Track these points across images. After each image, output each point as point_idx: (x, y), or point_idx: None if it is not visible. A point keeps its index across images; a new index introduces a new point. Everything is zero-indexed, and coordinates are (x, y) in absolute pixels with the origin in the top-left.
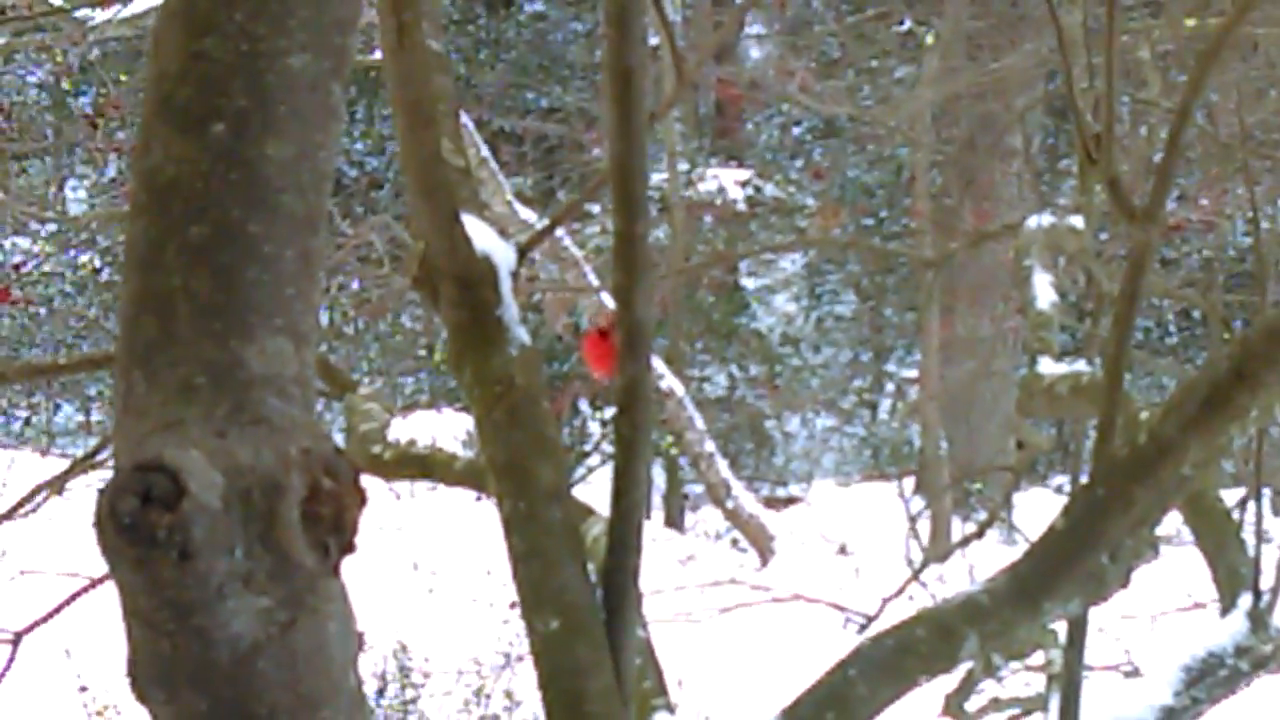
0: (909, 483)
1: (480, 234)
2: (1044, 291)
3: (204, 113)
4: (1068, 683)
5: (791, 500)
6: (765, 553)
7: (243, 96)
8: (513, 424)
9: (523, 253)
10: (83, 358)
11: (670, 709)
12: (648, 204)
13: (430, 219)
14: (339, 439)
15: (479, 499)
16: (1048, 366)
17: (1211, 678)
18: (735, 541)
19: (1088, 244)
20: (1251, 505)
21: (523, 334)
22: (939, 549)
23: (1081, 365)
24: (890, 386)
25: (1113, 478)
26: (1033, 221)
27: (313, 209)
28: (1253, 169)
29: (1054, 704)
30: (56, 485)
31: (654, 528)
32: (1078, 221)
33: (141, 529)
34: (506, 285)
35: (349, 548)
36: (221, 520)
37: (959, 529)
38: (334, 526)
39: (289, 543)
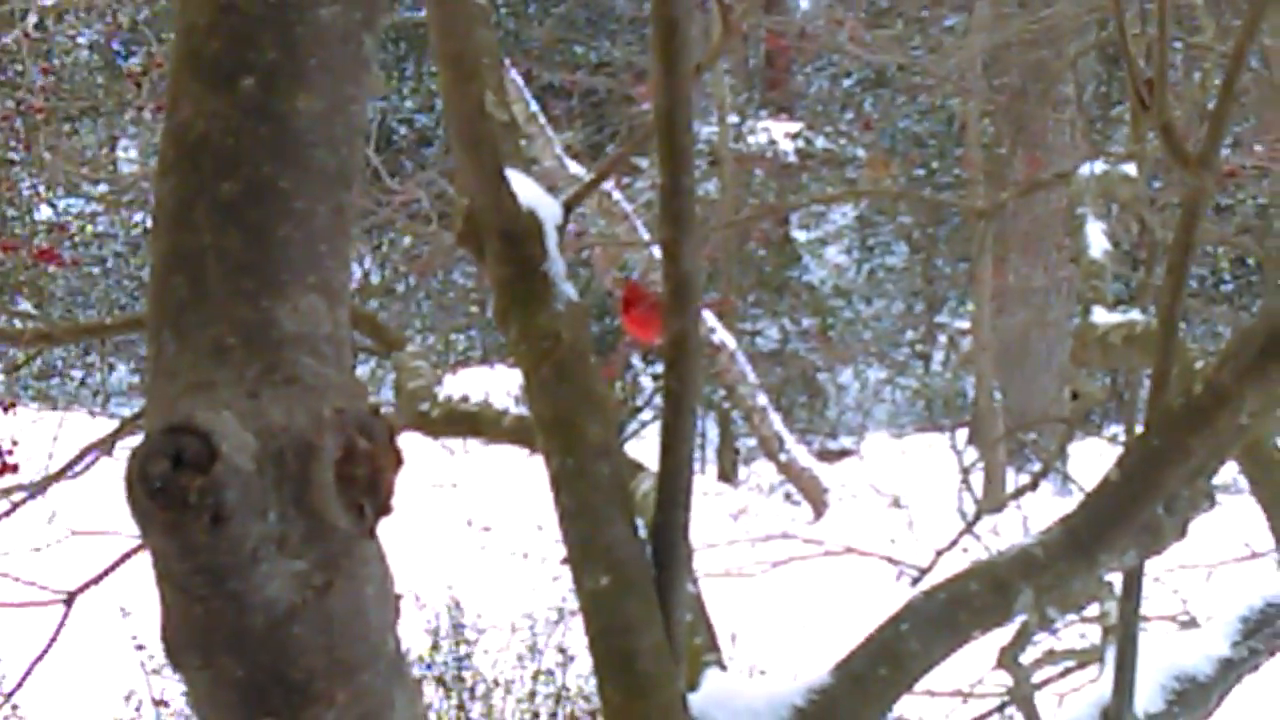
0: (962, 434)
1: (525, 189)
2: (1097, 240)
3: (233, 67)
4: (1123, 634)
5: (844, 453)
6: (819, 506)
7: (273, 49)
8: (560, 380)
9: (569, 208)
10: (129, 317)
11: (722, 665)
12: (694, 156)
13: (475, 174)
14: (388, 396)
15: (530, 454)
16: (1101, 316)
17: (1270, 628)
18: (788, 495)
19: (1141, 192)
20: None
21: (569, 289)
22: (993, 501)
23: (1135, 314)
24: (943, 338)
25: (1168, 428)
26: (1085, 169)
27: (345, 163)
28: None
29: (1110, 656)
30: (106, 444)
31: (706, 482)
32: (1131, 169)
33: (173, 492)
34: (553, 240)
35: (385, 510)
36: (254, 483)
37: (1013, 480)
38: (369, 488)
39: (323, 505)
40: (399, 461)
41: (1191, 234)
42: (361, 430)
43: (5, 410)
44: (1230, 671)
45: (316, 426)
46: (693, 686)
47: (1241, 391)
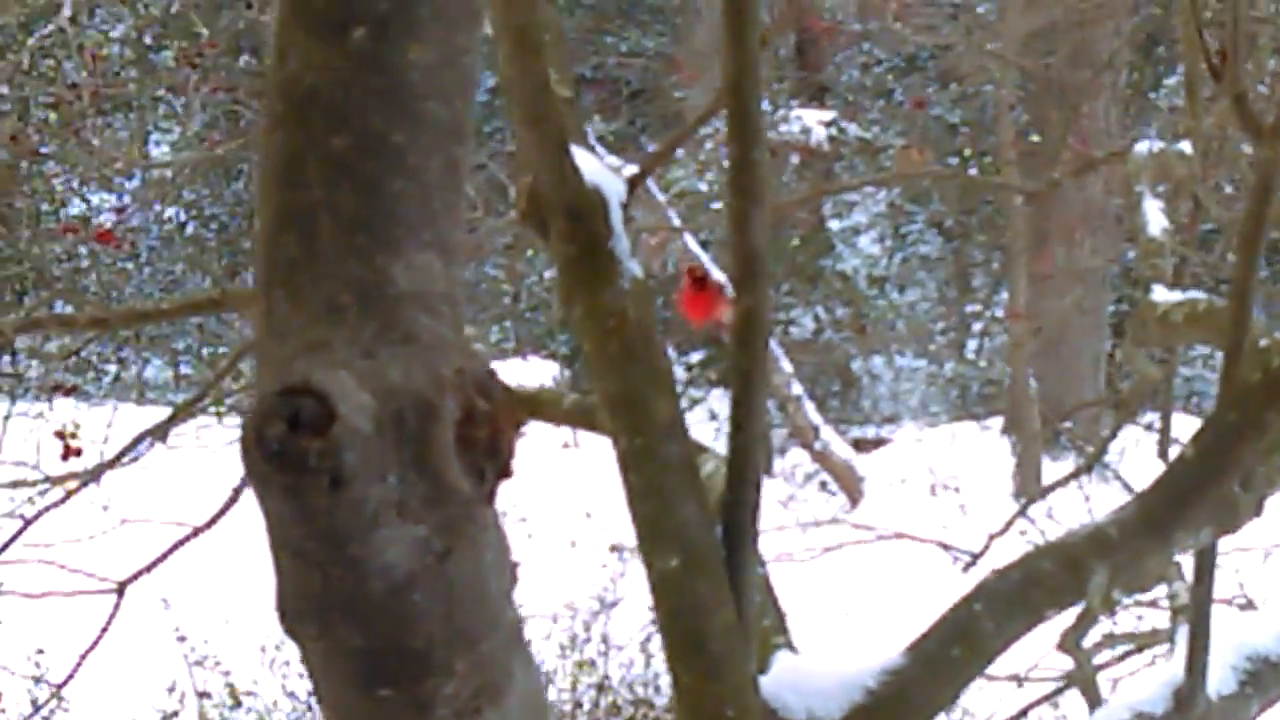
0: (998, 421)
1: (589, 165)
2: (1155, 218)
3: (343, 17)
4: (1196, 615)
5: (880, 442)
6: (854, 494)
7: None
8: (627, 358)
9: (633, 185)
10: (185, 301)
11: (792, 646)
12: (763, 128)
13: (539, 150)
14: None
15: (566, 446)
16: (1162, 294)
17: None
18: (824, 484)
19: (1196, 169)
20: None
21: (635, 267)
22: (1030, 487)
23: (1197, 293)
24: (977, 325)
25: (1245, 403)
26: (1141, 147)
27: (458, 116)
28: None
29: (1181, 636)
30: (159, 432)
31: None
32: (1186, 147)
33: (291, 455)
34: (617, 217)
35: (506, 473)
36: (374, 444)
37: (1048, 468)
38: (490, 450)
39: (444, 468)
40: (519, 424)
41: (1265, 206)
42: (481, 390)
43: (66, 394)
44: None
45: (436, 386)
46: (763, 669)
47: None
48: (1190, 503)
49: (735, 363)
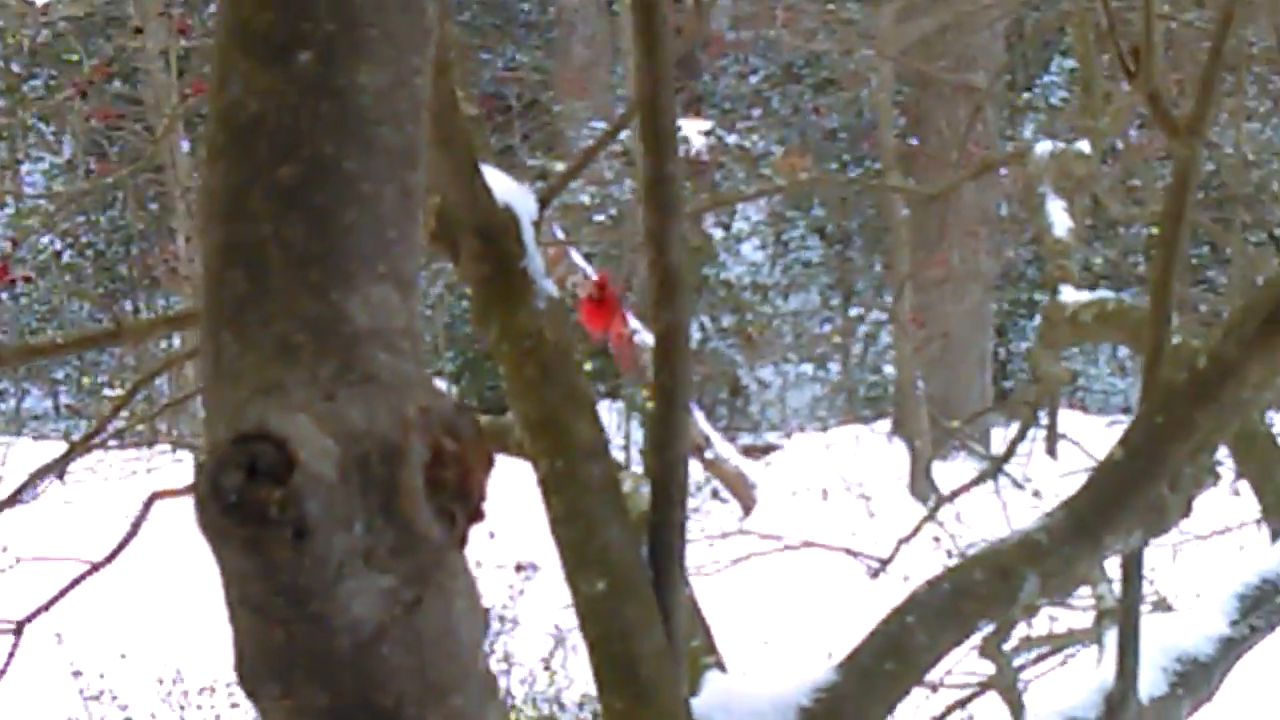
0: (886, 424)
1: (500, 183)
2: (1060, 219)
3: (288, 40)
4: (1125, 618)
5: (769, 448)
6: (747, 502)
7: (330, 20)
8: (545, 380)
9: (544, 202)
10: (81, 335)
11: (722, 666)
12: (677, 141)
13: (448, 169)
14: None
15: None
16: (1070, 294)
17: (1268, 605)
18: (716, 493)
19: (1095, 169)
20: None
21: (549, 286)
22: (920, 489)
23: (1105, 292)
24: (863, 330)
25: (1171, 404)
26: (1042, 148)
27: (411, 141)
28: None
29: (1109, 640)
30: (57, 468)
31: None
32: (1085, 147)
33: (250, 506)
34: (530, 235)
35: (477, 515)
36: (339, 492)
37: (939, 470)
38: (459, 492)
39: (413, 513)
40: (490, 462)
41: (1183, 204)
42: (448, 430)
43: None
44: (1231, 650)
45: (402, 427)
46: (694, 690)
47: (1247, 362)
48: (1119, 506)
49: (657, 380)
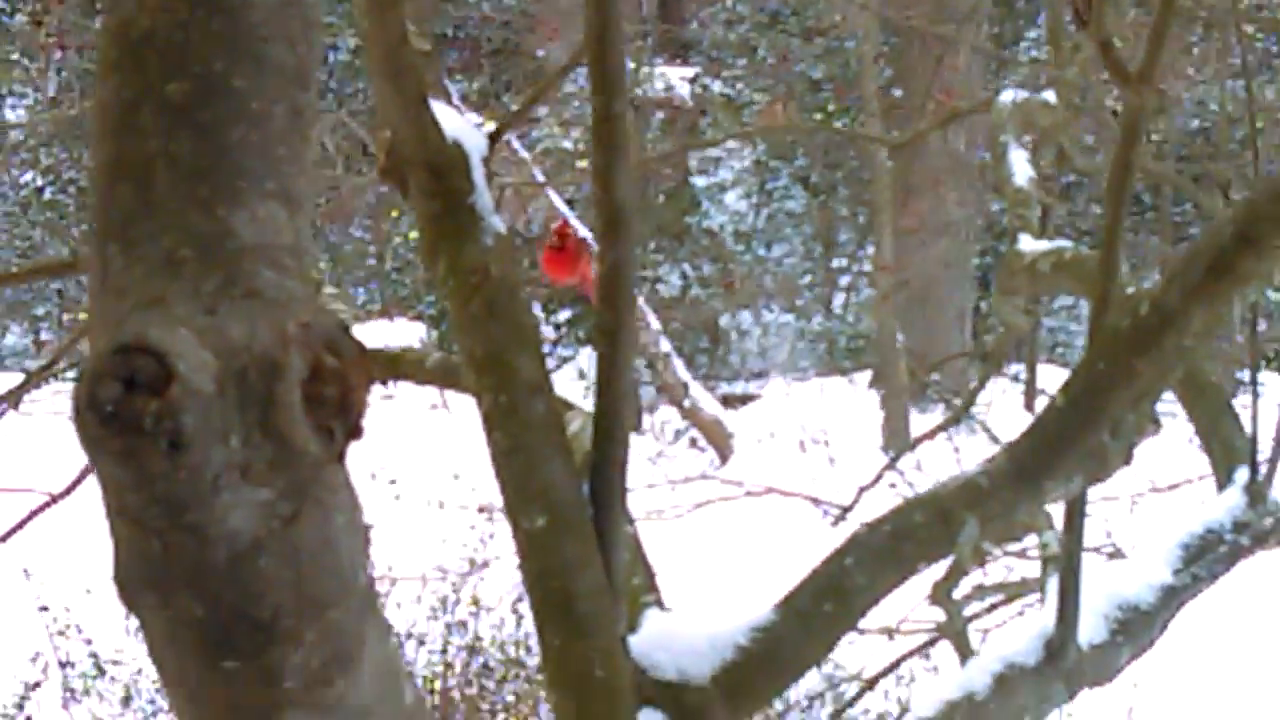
0: (865, 376)
1: (450, 119)
2: (1021, 168)
3: None
4: (1066, 564)
5: (748, 398)
6: (724, 450)
7: None
8: (490, 316)
9: (493, 139)
10: (36, 265)
11: (661, 605)
12: (625, 81)
13: (398, 104)
14: None
15: (434, 407)
16: (1028, 244)
17: (1211, 554)
18: (694, 441)
19: (1060, 118)
20: (1249, 376)
21: (497, 223)
22: (897, 440)
23: (1063, 242)
24: (844, 280)
25: (1113, 351)
26: (1006, 97)
27: (303, 61)
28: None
29: (1051, 586)
30: (13, 399)
31: None
32: (1050, 96)
33: (126, 417)
34: (479, 172)
35: (356, 432)
36: (215, 405)
37: (916, 421)
38: (339, 409)
39: (290, 428)
40: (370, 379)
41: (1131, 153)
42: (329, 346)
43: None
44: (1173, 599)
45: (281, 343)
46: (633, 628)
47: (1189, 311)
48: (1060, 452)
49: (600, 319)
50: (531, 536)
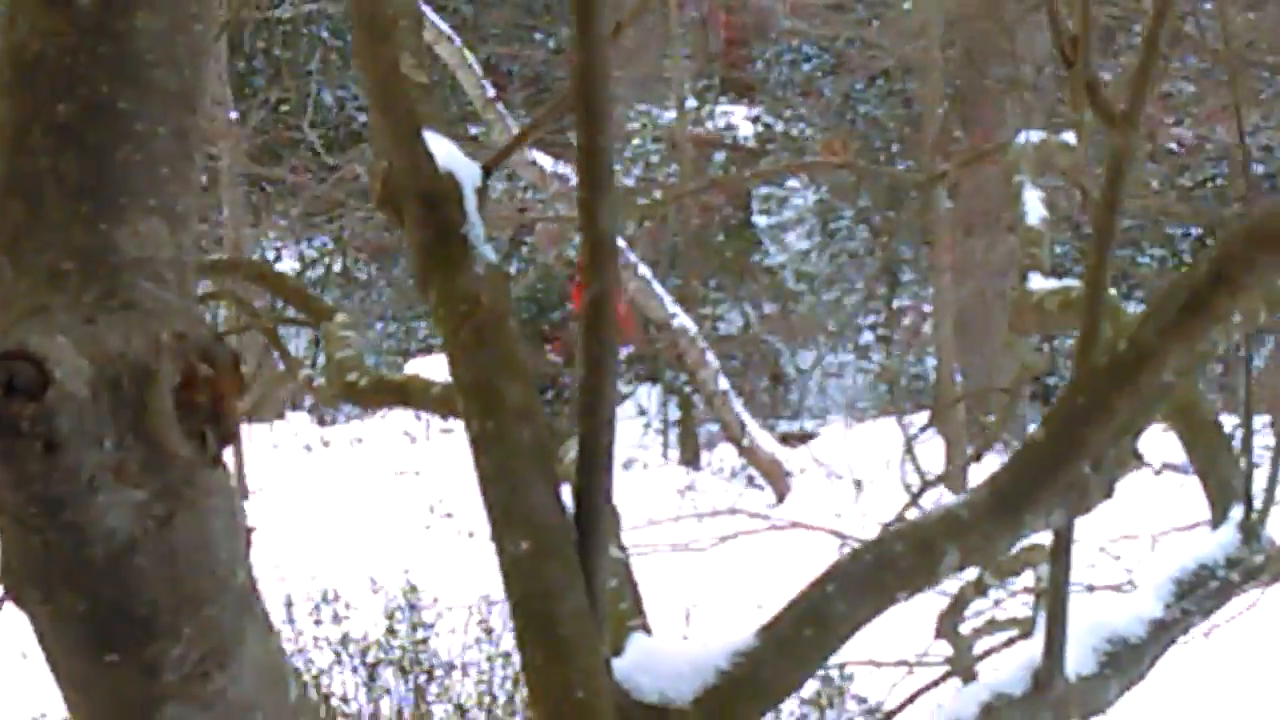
0: (922, 416)
1: (443, 150)
2: (1034, 207)
3: None
4: (1054, 596)
5: (807, 436)
6: (781, 488)
7: None
8: (479, 343)
9: (487, 170)
10: None
11: (647, 630)
12: (610, 114)
13: (391, 135)
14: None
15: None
16: (1038, 282)
17: (1202, 590)
18: (751, 479)
19: (1080, 160)
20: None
21: (489, 252)
22: (958, 478)
23: (1071, 281)
24: (905, 320)
25: (1093, 386)
26: (1021, 138)
27: (188, 84)
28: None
29: (1041, 618)
30: None
31: (670, 468)
32: (1070, 137)
33: (4, 420)
34: (472, 203)
35: (229, 437)
36: (89, 409)
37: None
38: (212, 415)
39: (162, 432)
40: (243, 388)
41: (1117, 192)
42: (203, 356)
43: None
44: (1163, 633)
45: (154, 351)
46: (617, 651)
47: (1165, 348)
48: (1040, 484)
49: (584, 348)
50: (515, 560)
